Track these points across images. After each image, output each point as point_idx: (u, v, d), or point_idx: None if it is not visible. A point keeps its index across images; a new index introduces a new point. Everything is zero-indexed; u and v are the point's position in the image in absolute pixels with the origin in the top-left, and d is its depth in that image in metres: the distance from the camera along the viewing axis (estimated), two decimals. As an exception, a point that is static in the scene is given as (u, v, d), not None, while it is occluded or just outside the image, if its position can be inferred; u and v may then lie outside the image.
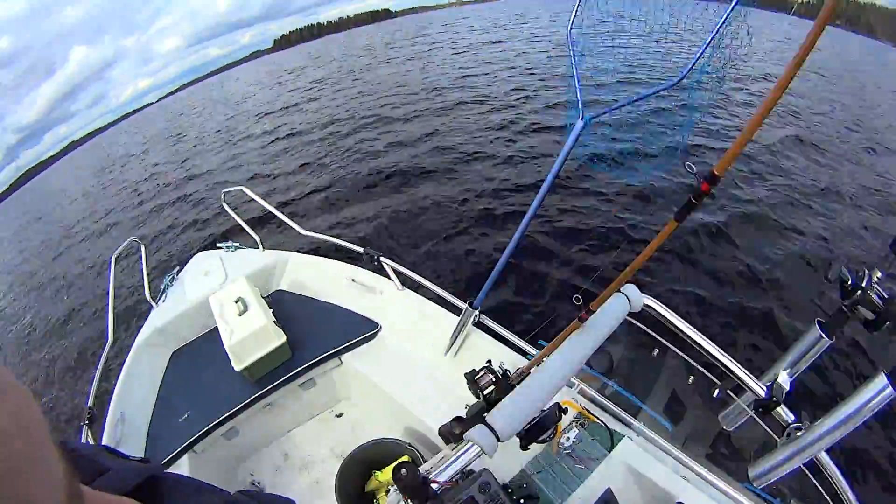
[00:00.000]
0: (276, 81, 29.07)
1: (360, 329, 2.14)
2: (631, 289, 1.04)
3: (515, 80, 11.82)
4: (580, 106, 1.49)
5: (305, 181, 7.75)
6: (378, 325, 2.16)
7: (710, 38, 1.27)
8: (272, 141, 11.54)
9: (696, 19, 1.43)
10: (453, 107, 10.14)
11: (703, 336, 1.17)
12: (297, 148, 10.17)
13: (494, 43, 21.59)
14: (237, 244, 2.89)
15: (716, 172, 0.79)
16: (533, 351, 1.71)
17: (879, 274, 0.98)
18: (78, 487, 0.30)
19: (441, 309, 2.04)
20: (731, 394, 1.25)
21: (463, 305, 1.87)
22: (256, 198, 2.76)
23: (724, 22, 1.22)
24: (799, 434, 1.05)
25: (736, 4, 1.20)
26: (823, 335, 1.13)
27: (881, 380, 1.01)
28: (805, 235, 4.84)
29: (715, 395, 1.32)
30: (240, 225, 2.83)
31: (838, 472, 1.17)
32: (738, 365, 1.16)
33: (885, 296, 1.01)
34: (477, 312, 1.86)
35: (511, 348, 1.79)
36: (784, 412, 1.12)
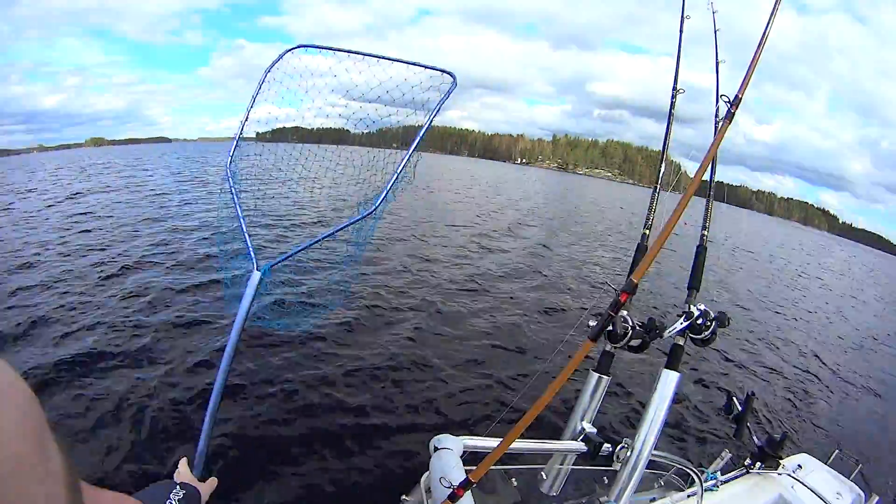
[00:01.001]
0: None
1: None
2: None
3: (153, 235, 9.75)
4: (252, 255, 1.25)
5: None
6: None
7: (391, 181, 1.32)
8: None
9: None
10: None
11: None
12: None
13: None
14: None
15: (635, 280, 0.92)
16: None
17: (625, 313, 1.22)
18: (78, 483, 0.30)
19: None
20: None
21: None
22: None
23: (403, 165, 1.30)
24: (628, 451, 1.17)
25: (413, 150, 1.30)
26: (602, 376, 1.27)
27: (665, 373, 1.20)
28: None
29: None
30: None
31: None
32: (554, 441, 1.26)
33: (637, 324, 1.23)
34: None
35: None
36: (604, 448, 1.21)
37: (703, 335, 1.16)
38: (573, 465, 1.29)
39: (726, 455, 2.13)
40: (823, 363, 7.96)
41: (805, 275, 21.45)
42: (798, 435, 5.39)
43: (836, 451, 3.16)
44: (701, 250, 1.33)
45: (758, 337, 8.38)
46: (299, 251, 1.37)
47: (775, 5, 1.07)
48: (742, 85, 1.04)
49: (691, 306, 1.17)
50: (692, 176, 0.97)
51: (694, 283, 1.26)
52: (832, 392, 7.04)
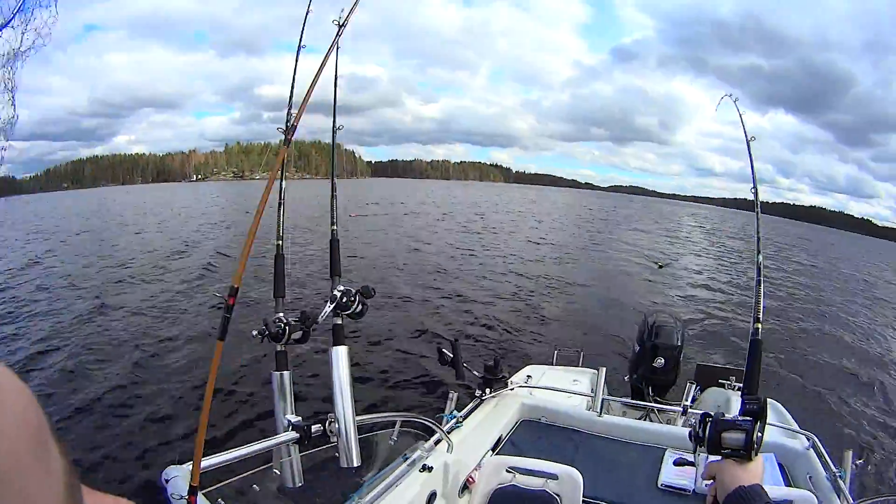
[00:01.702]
0: None
1: None
2: None
3: None
4: None
5: None
6: None
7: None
8: None
9: None
10: None
11: None
12: None
13: None
14: None
15: (235, 285, 1.04)
16: None
17: (281, 315, 1.33)
18: (78, 485, 0.30)
19: None
20: None
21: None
22: None
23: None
24: (335, 423, 1.29)
25: None
26: (283, 372, 1.33)
27: (334, 350, 1.34)
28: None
29: None
30: None
31: None
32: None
33: (292, 320, 1.33)
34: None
35: None
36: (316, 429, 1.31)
37: (353, 310, 1.34)
38: (301, 452, 1.36)
39: (454, 395, 2.27)
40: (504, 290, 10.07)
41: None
42: (518, 353, 6.37)
43: (556, 350, 3.52)
44: (335, 243, 1.45)
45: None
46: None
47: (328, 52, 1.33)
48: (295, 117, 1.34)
49: (334, 290, 1.35)
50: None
51: (334, 271, 1.41)
52: (528, 305, 8.88)
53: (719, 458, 0.95)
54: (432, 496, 1.74)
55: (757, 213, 1.39)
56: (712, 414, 0.98)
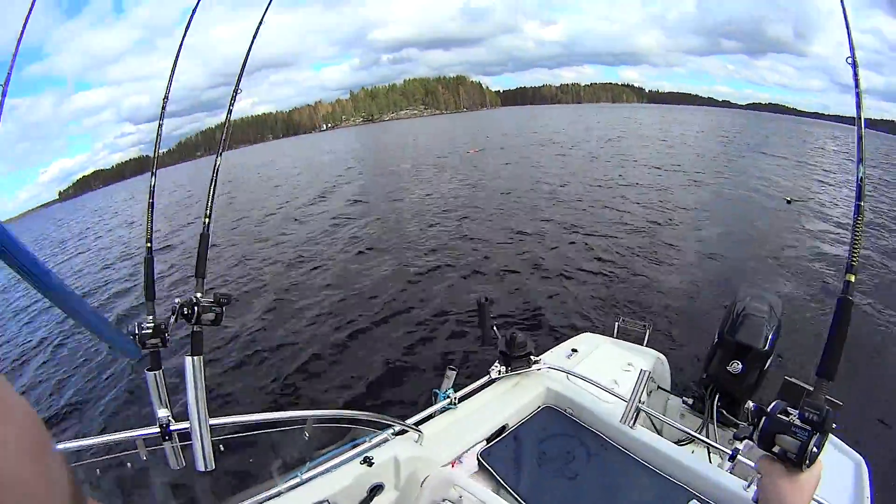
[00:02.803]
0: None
1: None
2: None
3: None
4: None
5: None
6: None
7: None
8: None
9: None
10: None
11: None
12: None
13: None
14: None
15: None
16: None
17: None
18: (83, 498, 0.29)
19: None
20: None
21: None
22: None
23: None
24: (188, 425, 1.24)
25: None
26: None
27: (187, 360, 1.22)
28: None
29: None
30: None
31: None
32: None
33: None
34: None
35: None
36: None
37: (197, 319, 1.20)
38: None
39: (451, 373, 1.98)
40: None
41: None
42: (582, 312, 5.67)
43: (618, 322, 2.96)
44: (204, 239, 1.31)
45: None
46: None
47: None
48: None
49: (192, 295, 1.21)
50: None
51: (199, 272, 1.27)
52: (616, 267, 7.43)
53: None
54: (376, 489, 1.60)
55: (859, 134, 1.05)
56: (768, 410, 0.88)
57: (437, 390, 1.94)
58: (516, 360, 2.06)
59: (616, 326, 2.90)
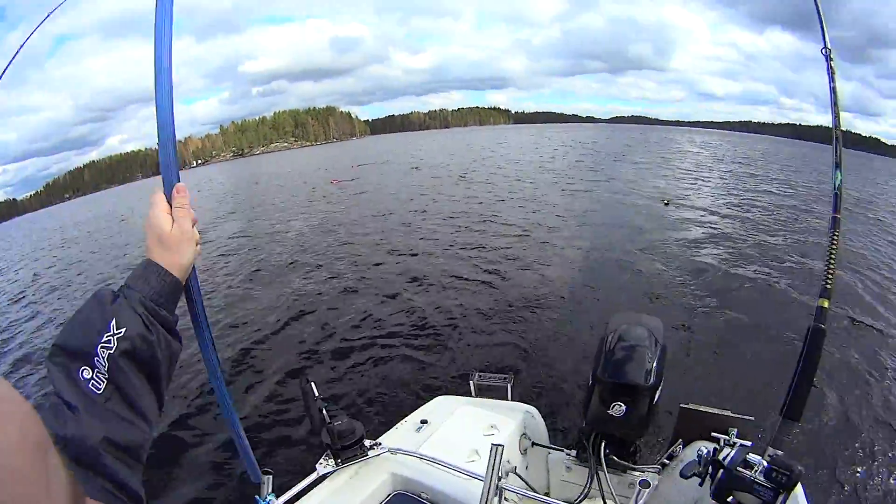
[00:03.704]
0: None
1: None
2: None
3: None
4: None
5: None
6: None
7: None
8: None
9: None
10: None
11: None
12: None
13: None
14: None
15: None
16: None
17: None
18: (81, 495, 0.30)
19: None
20: None
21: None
22: None
23: None
24: None
25: None
26: None
27: None
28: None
29: None
30: None
31: None
32: None
33: None
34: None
35: None
36: None
37: None
38: None
39: (267, 478, 1.46)
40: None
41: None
42: (436, 367, 4.78)
43: (474, 377, 2.49)
44: None
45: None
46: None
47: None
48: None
49: None
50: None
51: None
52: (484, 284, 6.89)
53: None
54: None
55: (835, 135, 1.17)
56: (723, 460, 0.85)
57: (257, 497, 1.52)
58: (345, 450, 1.72)
59: (472, 385, 2.46)
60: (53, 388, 0.56)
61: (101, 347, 0.58)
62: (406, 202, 15.42)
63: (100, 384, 0.57)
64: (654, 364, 1.86)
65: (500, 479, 1.42)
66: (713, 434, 1.87)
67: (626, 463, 1.96)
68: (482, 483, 1.43)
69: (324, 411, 1.75)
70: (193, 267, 0.76)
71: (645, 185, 16.13)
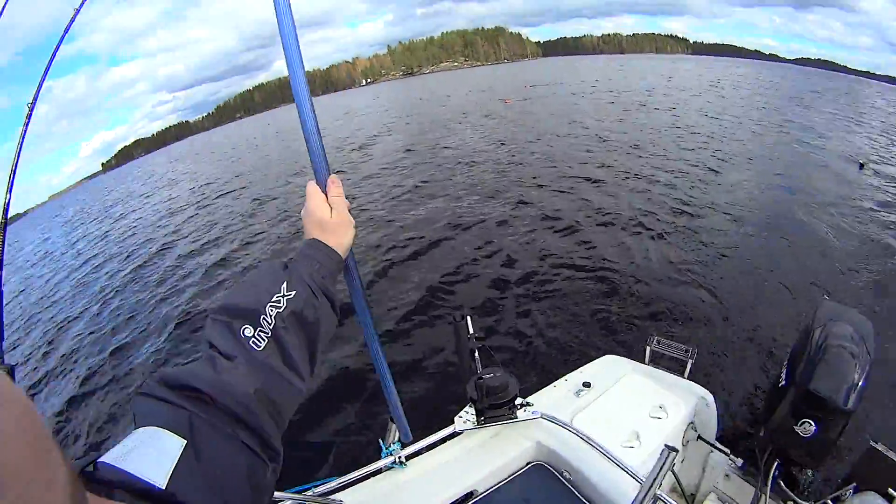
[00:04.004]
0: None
1: None
2: None
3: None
4: None
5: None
6: None
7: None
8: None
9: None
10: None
11: None
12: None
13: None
14: None
15: None
16: None
17: None
18: (82, 491, 0.30)
19: None
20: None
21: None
22: None
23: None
24: None
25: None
26: None
27: None
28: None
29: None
30: None
31: None
32: None
33: None
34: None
35: None
36: None
37: None
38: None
39: (392, 425, 1.40)
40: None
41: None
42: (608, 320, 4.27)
43: (649, 342, 2.18)
44: None
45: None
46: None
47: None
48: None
49: None
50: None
51: None
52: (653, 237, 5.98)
53: None
54: None
55: None
56: None
57: (381, 441, 1.46)
58: (493, 409, 1.51)
59: (647, 350, 2.13)
60: (210, 342, 0.59)
61: (270, 306, 0.62)
62: (584, 127, 14.68)
63: (261, 342, 0.60)
64: (861, 382, 1.52)
65: (661, 487, 1.22)
66: (890, 491, 1.56)
67: (789, 492, 1.72)
68: (633, 480, 1.27)
69: (476, 354, 1.61)
70: (351, 249, 0.81)
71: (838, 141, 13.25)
